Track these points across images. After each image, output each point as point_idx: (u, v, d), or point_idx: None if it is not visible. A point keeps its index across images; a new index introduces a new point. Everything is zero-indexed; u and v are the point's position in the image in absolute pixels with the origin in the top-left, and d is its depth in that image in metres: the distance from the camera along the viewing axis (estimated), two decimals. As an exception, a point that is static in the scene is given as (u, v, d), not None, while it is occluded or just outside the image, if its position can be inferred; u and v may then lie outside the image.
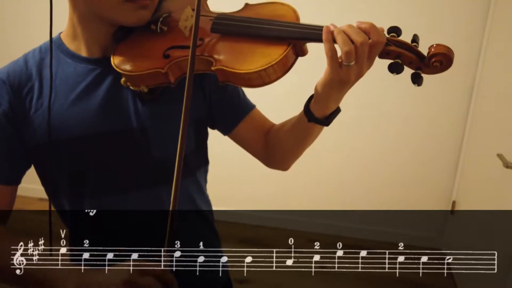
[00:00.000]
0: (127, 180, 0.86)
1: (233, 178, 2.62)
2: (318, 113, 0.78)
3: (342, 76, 0.69)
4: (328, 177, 2.70)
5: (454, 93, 2.39)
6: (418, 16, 2.34)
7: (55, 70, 0.83)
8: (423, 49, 0.72)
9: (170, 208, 0.67)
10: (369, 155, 2.61)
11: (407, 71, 0.72)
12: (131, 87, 0.80)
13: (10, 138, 0.81)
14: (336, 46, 0.69)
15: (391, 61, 0.71)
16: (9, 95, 0.81)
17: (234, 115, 0.94)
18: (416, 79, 0.71)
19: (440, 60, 0.69)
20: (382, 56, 0.71)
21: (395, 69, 0.70)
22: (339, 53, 0.69)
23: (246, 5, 0.82)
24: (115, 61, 0.79)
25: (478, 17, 2.26)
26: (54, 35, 0.86)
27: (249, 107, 0.95)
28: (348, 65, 0.67)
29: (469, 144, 2.40)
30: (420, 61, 0.71)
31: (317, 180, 2.70)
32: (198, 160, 0.95)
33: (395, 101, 2.46)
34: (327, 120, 0.79)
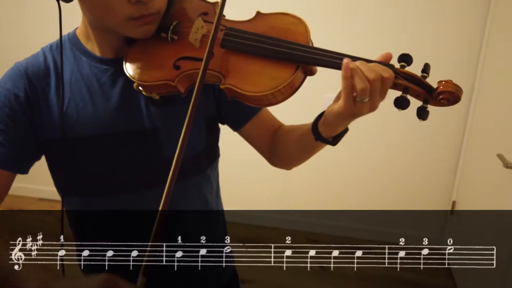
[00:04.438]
0: (138, 179, 0.87)
1: (233, 178, 2.62)
2: (325, 134, 0.78)
3: (355, 110, 0.70)
4: (328, 177, 2.70)
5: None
6: (419, 18, 2.34)
7: (71, 69, 0.85)
8: (432, 64, 0.70)
9: (160, 208, 0.67)
10: (369, 156, 2.62)
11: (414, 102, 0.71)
12: (143, 93, 0.81)
13: (22, 128, 0.82)
14: None
15: (399, 92, 0.70)
16: (25, 87, 0.82)
17: (242, 115, 0.94)
18: (422, 114, 0.70)
19: (448, 98, 0.68)
20: (390, 87, 0.71)
21: (400, 105, 0.70)
22: None
23: (258, 13, 0.81)
24: (127, 68, 0.80)
25: (478, 18, 2.26)
26: (66, 31, 0.88)
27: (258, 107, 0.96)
28: (362, 101, 0.68)
29: (469, 144, 2.40)
30: (428, 94, 0.70)
31: (318, 180, 2.70)
32: (210, 156, 0.96)
33: (395, 101, 2.45)
34: (333, 141, 0.80)
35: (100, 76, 0.84)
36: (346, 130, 0.80)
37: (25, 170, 0.86)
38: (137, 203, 0.86)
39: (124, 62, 0.80)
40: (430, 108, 0.71)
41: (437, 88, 0.69)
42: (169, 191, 0.67)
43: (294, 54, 0.73)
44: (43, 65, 0.84)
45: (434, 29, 2.33)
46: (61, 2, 0.78)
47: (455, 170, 2.52)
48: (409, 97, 0.70)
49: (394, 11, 2.36)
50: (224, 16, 0.83)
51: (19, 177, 0.86)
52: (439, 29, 2.33)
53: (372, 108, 0.70)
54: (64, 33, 0.87)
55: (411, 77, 0.70)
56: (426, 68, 0.71)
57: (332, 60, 0.71)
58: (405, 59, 0.71)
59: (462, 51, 2.32)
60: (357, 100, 0.68)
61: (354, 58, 0.70)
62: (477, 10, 2.25)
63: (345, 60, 0.68)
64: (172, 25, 0.80)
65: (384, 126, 2.50)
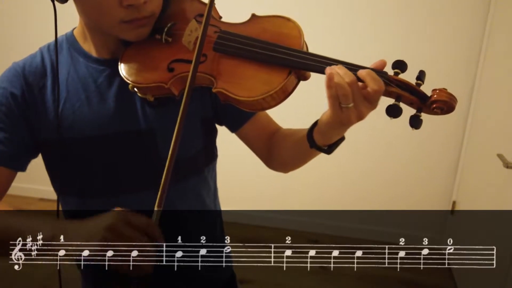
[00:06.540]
0: (135, 180, 0.87)
1: (233, 178, 2.62)
2: (320, 142, 0.78)
3: (342, 118, 0.69)
4: (328, 177, 2.70)
5: (455, 93, 2.37)
6: (419, 16, 2.34)
7: (67, 69, 0.85)
8: (428, 67, 0.69)
9: (155, 208, 0.68)
10: (369, 155, 2.62)
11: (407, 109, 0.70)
12: (138, 94, 0.81)
13: (19, 126, 0.82)
14: None
15: (392, 100, 0.69)
16: (22, 87, 0.83)
17: (239, 117, 0.94)
18: (415, 123, 0.69)
19: (441, 107, 0.68)
20: (383, 95, 0.70)
21: (392, 113, 0.68)
22: None
23: (253, 16, 0.81)
24: (122, 69, 0.80)
25: (478, 17, 2.26)
26: (65, 31, 0.88)
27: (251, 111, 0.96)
28: (347, 107, 0.67)
29: (469, 144, 2.40)
30: (422, 102, 0.69)
31: (317, 180, 2.70)
32: (207, 157, 0.96)
33: (395, 101, 2.45)
34: (329, 149, 0.79)
35: (96, 76, 0.84)
36: (342, 139, 0.79)
37: (23, 168, 0.86)
38: (135, 204, 0.85)
39: (119, 63, 0.80)
40: (425, 115, 0.69)
41: (430, 96, 0.68)
42: (163, 193, 0.67)
43: (286, 59, 0.72)
44: (40, 65, 0.85)
45: (434, 29, 2.33)
46: (56, 3, 0.78)
47: (455, 170, 2.51)
48: (402, 105, 0.69)
49: (394, 12, 2.36)
50: (220, 17, 0.83)
51: (19, 177, 0.86)
52: (439, 29, 2.33)
53: (360, 115, 0.69)
54: (61, 33, 0.87)
55: (404, 85, 0.69)
56: (420, 76, 0.70)
57: (323, 66, 0.71)
58: (399, 66, 0.70)
59: (462, 51, 2.32)
60: (343, 106, 0.67)
61: (347, 64, 0.69)
62: (477, 10, 2.25)
63: (328, 70, 0.67)
64: (167, 26, 0.80)
65: (384, 126, 2.49)
